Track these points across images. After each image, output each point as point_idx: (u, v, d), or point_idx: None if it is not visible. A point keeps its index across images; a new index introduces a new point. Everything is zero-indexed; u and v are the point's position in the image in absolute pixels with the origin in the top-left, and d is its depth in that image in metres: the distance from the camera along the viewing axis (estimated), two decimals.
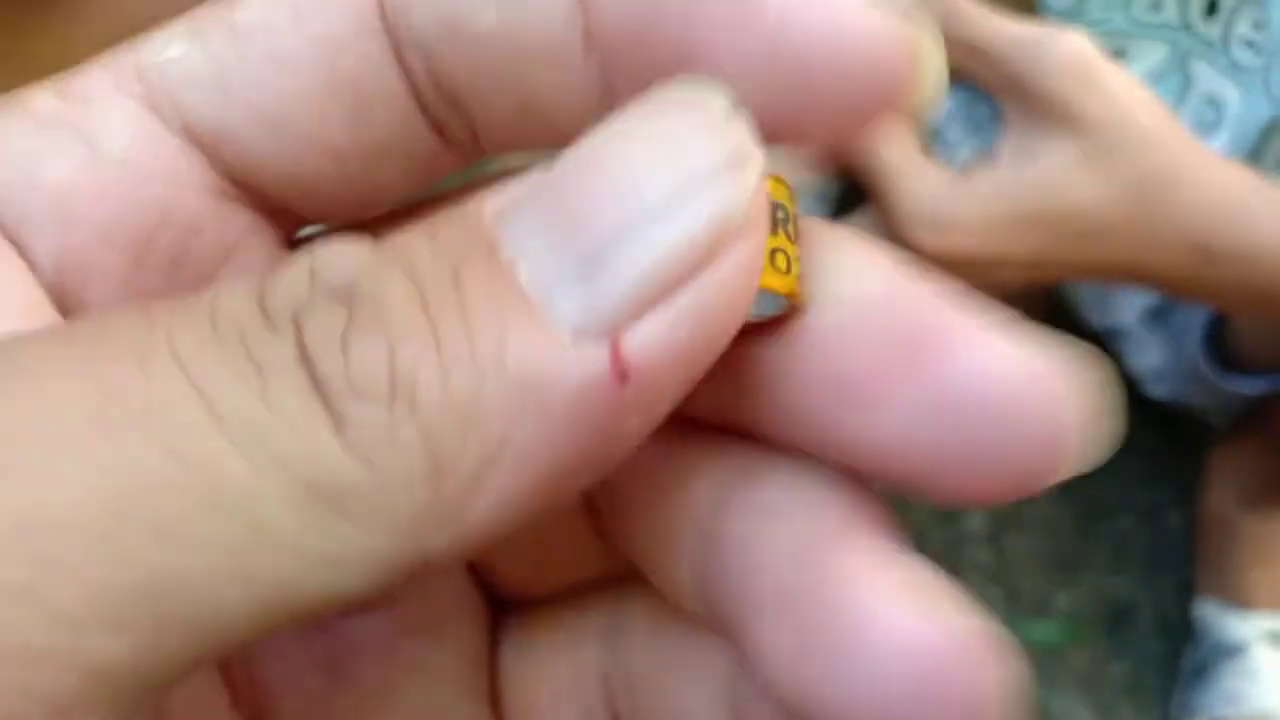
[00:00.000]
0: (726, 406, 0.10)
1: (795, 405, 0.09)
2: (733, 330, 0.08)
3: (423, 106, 0.10)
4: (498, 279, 0.08)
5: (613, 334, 0.08)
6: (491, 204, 0.08)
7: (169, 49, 0.10)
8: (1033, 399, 0.08)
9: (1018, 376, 0.08)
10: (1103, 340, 0.71)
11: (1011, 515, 0.81)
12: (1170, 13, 0.52)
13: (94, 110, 0.10)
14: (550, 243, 0.08)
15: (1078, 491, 0.83)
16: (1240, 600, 0.70)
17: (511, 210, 0.08)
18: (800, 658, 0.08)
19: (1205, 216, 0.36)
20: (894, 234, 0.37)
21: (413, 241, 0.08)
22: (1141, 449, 0.84)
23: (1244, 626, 0.69)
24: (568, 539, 0.12)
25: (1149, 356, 0.68)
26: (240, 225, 0.10)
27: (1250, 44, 0.51)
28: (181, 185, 0.10)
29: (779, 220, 0.09)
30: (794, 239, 0.09)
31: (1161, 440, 0.85)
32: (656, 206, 0.08)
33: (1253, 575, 0.69)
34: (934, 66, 0.08)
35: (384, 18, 0.10)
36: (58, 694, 0.07)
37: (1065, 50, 0.35)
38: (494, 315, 0.08)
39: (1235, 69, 0.52)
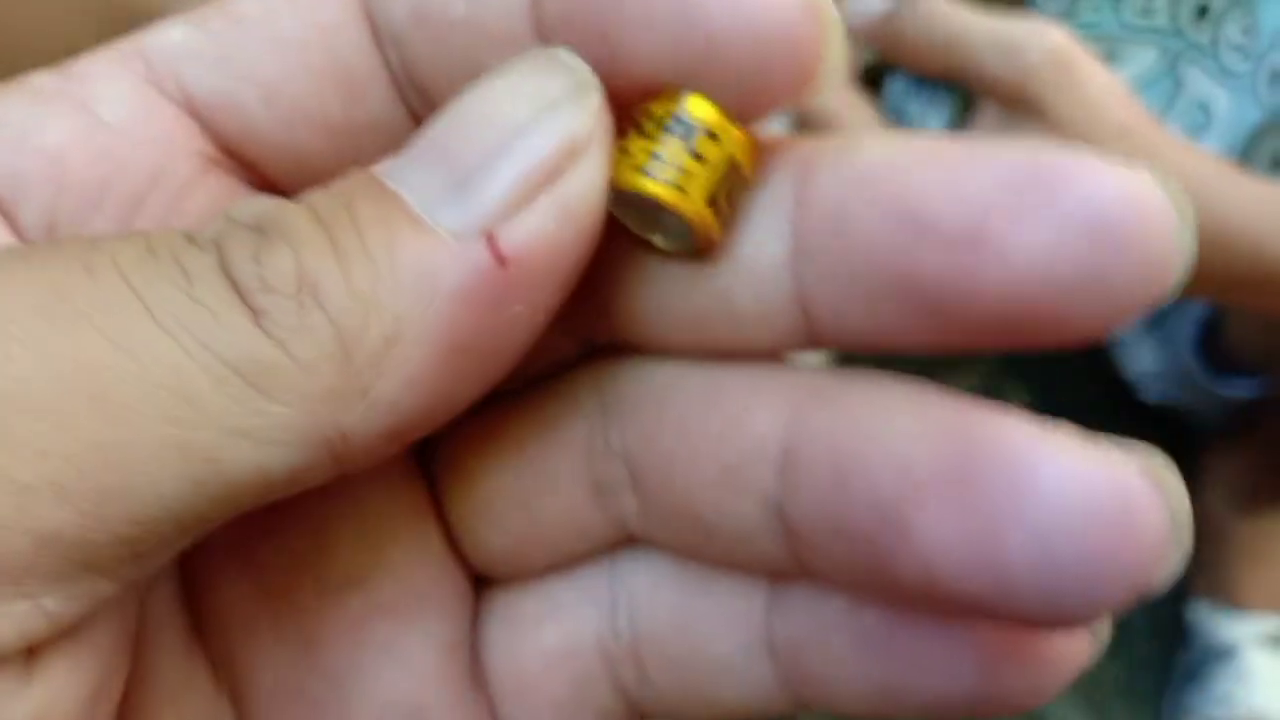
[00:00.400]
0: (793, 322, 0.10)
1: (893, 278, 0.09)
2: (595, 224, 0.09)
3: (400, 93, 0.11)
4: (386, 203, 0.09)
5: (488, 231, 0.09)
6: (378, 164, 0.10)
7: (171, 33, 0.10)
8: (1149, 211, 0.09)
9: (1134, 191, 0.09)
10: (1097, 345, 0.71)
11: None
12: (1160, 17, 0.53)
13: (94, 84, 0.10)
14: (430, 172, 0.09)
15: None
16: (1232, 602, 0.70)
17: (395, 162, 0.09)
18: (973, 532, 0.09)
19: None
20: None
21: (312, 192, 0.09)
22: None
23: (1236, 628, 0.69)
24: (559, 512, 0.12)
25: (1142, 360, 0.68)
26: (226, 195, 0.11)
27: (1239, 48, 0.51)
28: (175, 151, 0.10)
29: (683, 132, 0.10)
30: (713, 164, 0.10)
31: (1155, 443, 0.85)
32: (516, 129, 0.09)
33: (1245, 577, 0.70)
34: (836, 34, 0.09)
35: (365, 7, 0.10)
36: (7, 559, 0.08)
37: (1045, 46, 0.35)
38: (384, 228, 0.09)
39: (1224, 73, 0.52)
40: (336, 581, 0.12)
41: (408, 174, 0.09)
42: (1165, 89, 0.54)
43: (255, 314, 0.09)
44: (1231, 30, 0.51)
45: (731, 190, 0.10)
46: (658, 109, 0.10)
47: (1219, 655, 0.69)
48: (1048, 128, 0.35)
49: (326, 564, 0.12)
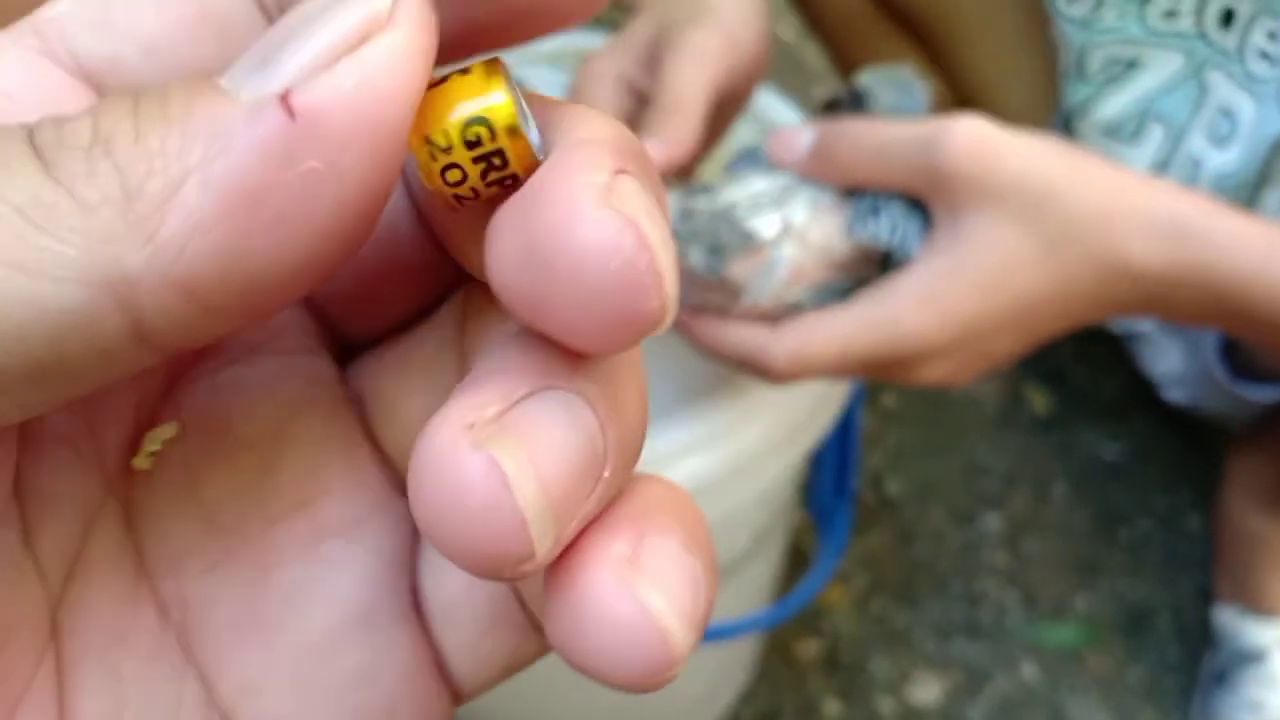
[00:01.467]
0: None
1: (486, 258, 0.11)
2: (400, 94, 0.10)
3: None
4: (197, 84, 0.10)
5: (281, 95, 0.10)
6: None
7: (60, 4, 0.12)
8: (611, 261, 0.10)
9: (596, 241, 0.10)
10: (1122, 343, 0.71)
11: (1029, 518, 0.81)
12: (1186, 21, 0.52)
13: None
14: (244, 60, 0.10)
15: (1096, 494, 0.83)
16: (1260, 606, 0.69)
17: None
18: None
19: (1152, 241, 0.36)
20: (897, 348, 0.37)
21: None
22: (1160, 452, 0.84)
23: (1264, 633, 0.69)
24: None
25: (1167, 361, 0.68)
26: None
27: (1266, 55, 0.51)
28: (68, 110, 0.11)
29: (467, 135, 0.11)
30: (482, 160, 0.11)
31: (1180, 444, 0.84)
32: (319, 11, 0.10)
33: (1271, 582, 0.69)
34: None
35: None
36: None
37: (961, 132, 0.36)
38: (185, 98, 0.10)
39: (1250, 80, 0.52)
40: (283, 510, 0.13)
41: (230, 68, 0.10)
42: (1190, 94, 0.54)
43: (46, 165, 0.09)
44: (1258, 36, 0.51)
45: (489, 174, 0.11)
46: (463, 86, 0.11)
47: (1248, 659, 0.68)
48: (991, 201, 0.36)
49: (272, 495, 0.13)
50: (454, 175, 0.11)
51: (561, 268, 0.10)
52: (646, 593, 0.10)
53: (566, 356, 0.11)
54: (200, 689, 0.12)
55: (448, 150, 0.11)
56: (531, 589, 0.13)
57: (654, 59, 0.42)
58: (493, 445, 0.10)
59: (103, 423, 0.12)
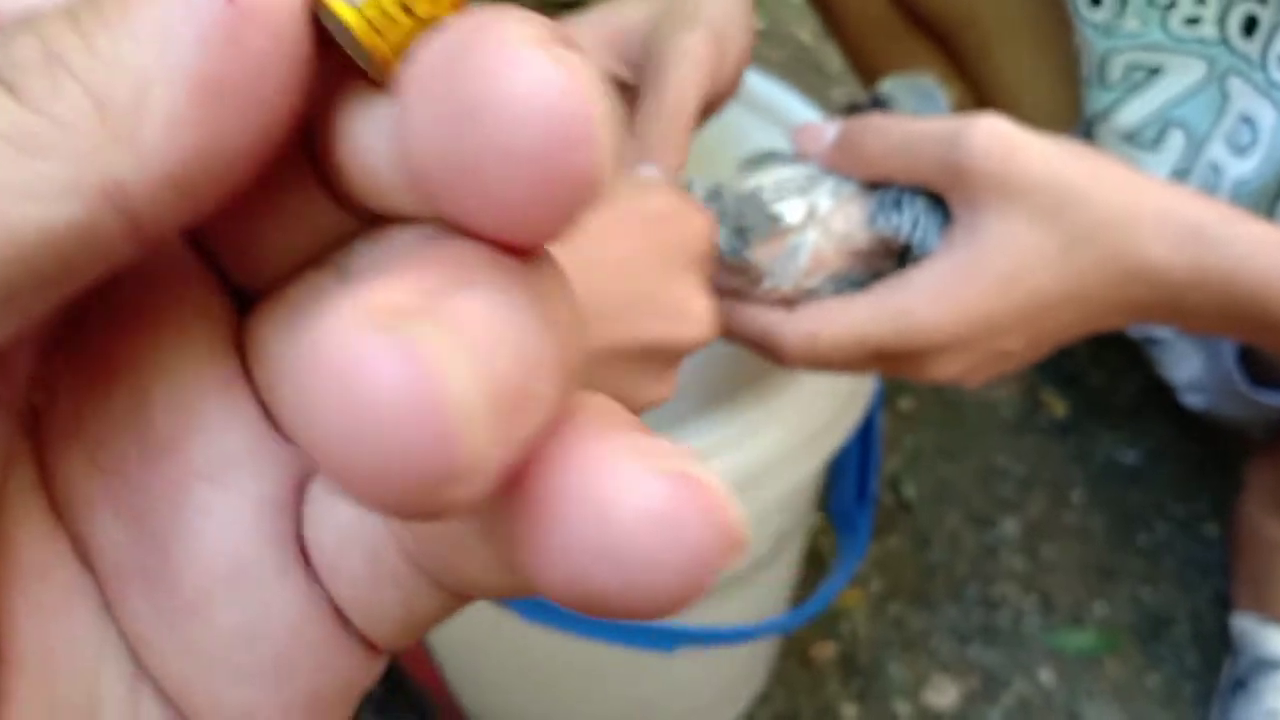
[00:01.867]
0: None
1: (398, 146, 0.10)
2: None
3: None
4: None
5: None
6: None
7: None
8: (550, 108, 0.09)
9: (535, 86, 0.09)
10: (1140, 348, 0.71)
11: (1047, 522, 0.81)
12: (1208, 28, 0.52)
13: None
14: None
15: (1114, 500, 0.83)
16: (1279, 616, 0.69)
17: None
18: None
19: (1171, 244, 0.36)
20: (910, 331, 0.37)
21: None
22: (1178, 458, 0.84)
23: None
24: None
25: (1186, 366, 0.68)
26: None
27: None
28: None
29: None
30: (413, 12, 0.11)
31: (1198, 449, 0.84)
32: None
33: None
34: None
35: None
36: None
37: (983, 130, 0.36)
38: (122, 6, 0.10)
39: (1272, 87, 0.52)
40: (155, 448, 0.12)
41: None
42: (1212, 101, 0.54)
43: (10, 90, 0.10)
44: None
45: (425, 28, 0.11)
46: None
47: (1267, 667, 0.68)
48: (1010, 201, 0.36)
49: (146, 429, 0.12)
50: (371, 9, 0.11)
51: (493, 113, 0.09)
52: (676, 471, 0.09)
53: (493, 252, 0.10)
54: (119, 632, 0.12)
55: None
56: (432, 539, 0.12)
57: (641, 52, 0.41)
58: (410, 330, 0.08)
59: (12, 358, 0.12)
